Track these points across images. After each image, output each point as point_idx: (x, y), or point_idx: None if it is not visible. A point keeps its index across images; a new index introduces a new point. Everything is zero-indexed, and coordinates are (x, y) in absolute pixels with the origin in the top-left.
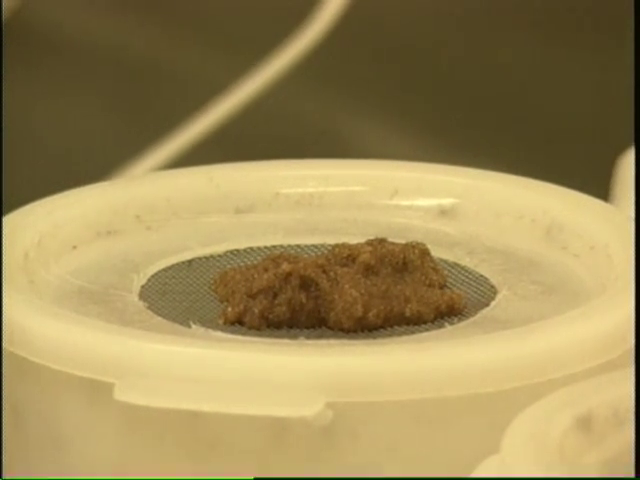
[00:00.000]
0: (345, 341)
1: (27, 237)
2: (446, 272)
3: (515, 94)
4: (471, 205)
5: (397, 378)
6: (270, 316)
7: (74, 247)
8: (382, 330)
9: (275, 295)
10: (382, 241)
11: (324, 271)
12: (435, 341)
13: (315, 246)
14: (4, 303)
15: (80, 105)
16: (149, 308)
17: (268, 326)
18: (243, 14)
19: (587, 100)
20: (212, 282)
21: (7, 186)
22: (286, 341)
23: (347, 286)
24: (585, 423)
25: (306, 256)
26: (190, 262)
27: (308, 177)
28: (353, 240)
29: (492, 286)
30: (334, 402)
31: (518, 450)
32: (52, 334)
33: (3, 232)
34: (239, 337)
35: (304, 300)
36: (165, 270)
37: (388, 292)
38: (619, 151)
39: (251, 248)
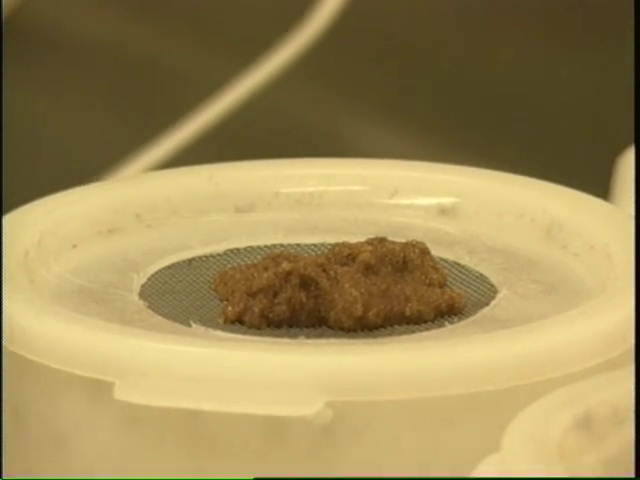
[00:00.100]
0: (345, 340)
1: (27, 236)
2: (446, 271)
3: (515, 94)
4: (471, 204)
5: (397, 377)
6: (270, 315)
7: (74, 246)
8: (382, 329)
9: (275, 294)
10: (382, 240)
11: (324, 270)
12: (435, 340)
13: (315, 245)
14: (4, 302)
15: (80, 103)
16: (149, 307)
17: (268, 325)
18: (242, 12)
19: (587, 100)
20: (212, 281)
21: (7, 185)
22: (286, 340)
23: (347, 285)
24: (585, 422)
25: (306, 255)
26: (190, 261)
27: (308, 176)
28: (353, 239)
29: (492, 285)
30: (334, 401)
31: (518, 449)
32: (52, 333)
33: (3, 231)
34: (239, 336)
35: (304, 299)
36: (165, 269)
37: (388, 291)
38: (619, 151)
39: (251, 247)
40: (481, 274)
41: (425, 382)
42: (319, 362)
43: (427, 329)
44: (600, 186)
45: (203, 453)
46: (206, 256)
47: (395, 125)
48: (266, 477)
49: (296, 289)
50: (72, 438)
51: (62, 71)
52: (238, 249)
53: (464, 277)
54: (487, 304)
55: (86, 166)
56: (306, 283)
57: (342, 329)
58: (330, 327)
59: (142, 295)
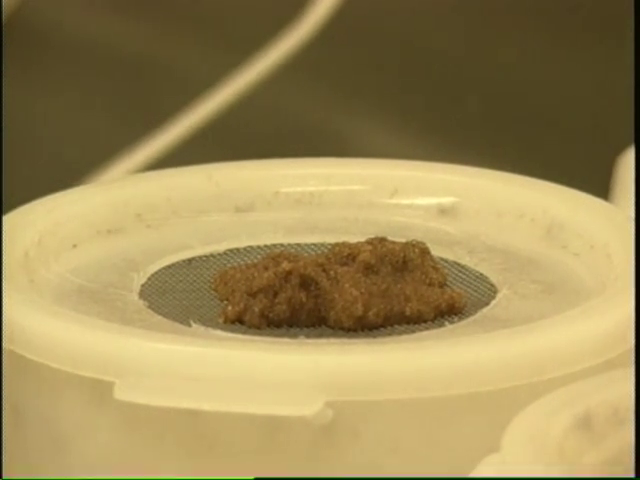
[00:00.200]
0: (345, 340)
1: (27, 236)
2: (446, 271)
3: (515, 93)
4: (471, 204)
5: (397, 377)
6: (270, 315)
7: (74, 246)
8: (382, 329)
9: (275, 294)
10: (382, 240)
11: (324, 270)
12: (435, 340)
13: (315, 245)
14: (4, 302)
15: (79, 103)
16: (149, 307)
17: (268, 325)
18: (238, 8)
19: (587, 100)
20: (212, 281)
21: (7, 185)
22: (286, 340)
23: (347, 285)
24: (585, 422)
25: (306, 255)
26: (190, 261)
27: (308, 176)
28: (353, 239)
29: (492, 285)
30: (334, 401)
31: (518, 449)
32: (52, 333)
33: (3, 231)
34: (239, 336)
35: (304, 299)
36: (165, 269)
37: (388, 291)
38: (619, 151)
39: (251, 247)
40: (481, 274)
41: (425, 382)
42: (319, 362)
43: (427, 329)
44: (600, 186)
45: (203, 453)
46: (206, 256)
47: (395, 125)
48: (266, 477)
49: (296, 289)
50: (72, 438)
51: (62, 71)
52: (238, 249)
53: (464, 277)
54: (487, 304)
55: (86, 165)
56: (306, 283)
57: (342, 329)
58: (330, 327)
59: (142, 295)
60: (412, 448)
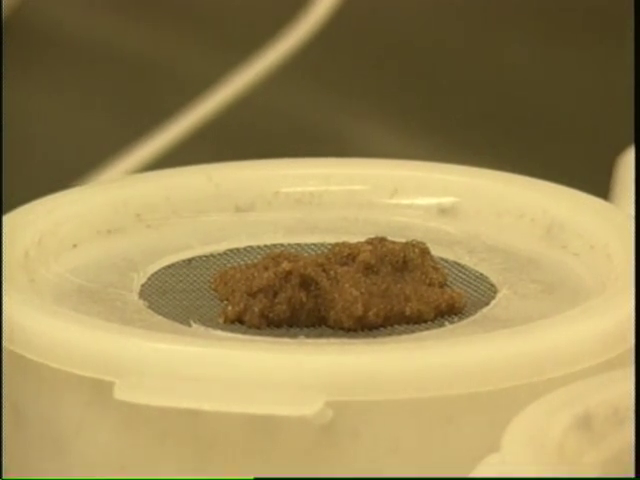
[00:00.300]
0: (345, 340)
1: (27, 236)
2: (446, 271)
3: (515, 93)
4: (471, 204)
5: (397, 377)
6: (270, 315)
7: (74, 246)
8: (382, 329)
9: (275, 294)
10: (382, 240)
11: (324, 270)
12: (435, 340)
13: (315, 245)
14: (4, 302)
15: (79, 102)
16: (149, 307)
17: (268, 325)
18: (239, 8)
19: (587, 100)
20: (212, 281)
21: (7, 185)
22: (286, 340)
23: (347, 285)
24: (585, 422)
25: (306, 255)
26: (190, 261)
27: (308, 176)
28: (353, 239)
29: (492, 285)
30: (334, 401)
31: (518, 449)
32: (52, 333)
33: (3, 231)
34: (239, 336)
35: (304, 299)
36: (165, 269)
37: (388, 291)
38: (619, 151)
39: (251, 247)
40: (481, 274)
41: (425, 382)
42: (319, 362)
43: (427, 329)
44: (600, 186)
45: (203, 453)
46: (206, 256)
47: (395, 125)
48: (266, 477)
49: (296, 289)
50: (72, 438)
51: (61, 71)
52: (238, 249)
53: (464, 277)
54: (487, 304)
55: (86, 165)
56: (306, 283)
57: (342, 329)
58: (330, 327)
59: (142, 295)
60: (412, 448)
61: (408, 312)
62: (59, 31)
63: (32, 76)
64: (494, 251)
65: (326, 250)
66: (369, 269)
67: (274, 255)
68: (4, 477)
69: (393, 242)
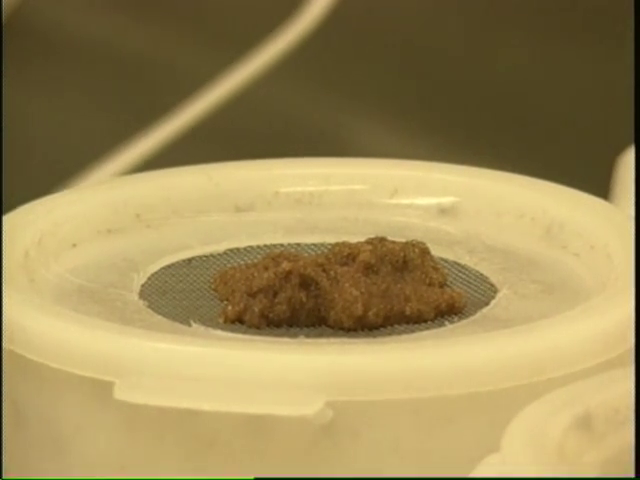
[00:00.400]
0: (345, 340)
1: (27, 236)
2: (446, 271)
3: (515, 93)
4: (471, 204)
5: (397, 377)
6: (270, 315)
7: (74, 245)
8: (382, 329)
9: (275, 294)
10: (382, 240)
11: (324, 270)
12: (435, 340)
13: (315, 245)
14: (4, 302)
15: (79, 102)
16: (149, 307)
17: (268, 325)
18: (238, 6)
19: (587, 100)
20: (212, 281)
21: (7, 185)
22: (286, 340)
23: (347, 285)
24: (585, 422)
25: (306, 255)
26: (190, 261)
27: (308, 176)
28: (353, 239)
29: (492, 285)
30: (334, 401)
31: (518, 449)
32: (52, 333)
33: (3, 231)
34: (239, 336)
35: (304, 299)
36: (165, 269)
37: (388, 291)
38: (619, 151)
39: (251, 247)
40: (481, 274)
41: (425, 382)
42: (319, 362)
43: (427, 329)
44: (600, 186)
45: (203, 453)
46: (206, 256)
47: (395, 125)
48: (266, 477)
49: (296, 289)
50: (72, 438)
51: (62, 71)
52: (238, 249)
53: (464, 277)
54: (487, 304)
55: (86, 164)
56: (306, 283)
57: (342, 329)
58: (330, 327)
59: (142, 295)
60: (412, 448)
61: (408, 312)
62: (59, 31)
63: (32, 76)
64: (494, 251)
65: (326, 250)
66: (369, 269)
67: (274, 255)
68: (4, 477)
69: (393, 242)
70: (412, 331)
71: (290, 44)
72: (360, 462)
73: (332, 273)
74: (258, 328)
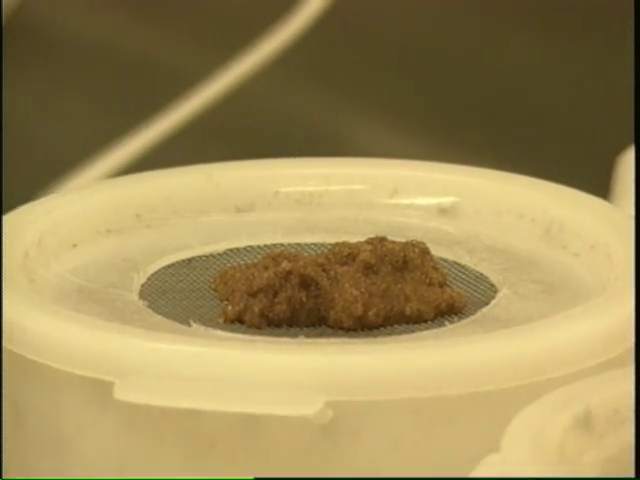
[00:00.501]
0: (345, 340)
1: (27, 236)
2: (446, 271)
3: (515, 93)
4: (471, 204)
5: (397, 377)
6: (270, 315)
7: (74, 246)
8: (382, 329)
9: (275, 294)
10: (382, 240)
11: (324, 270)
12: (435, 340)
13: (315, 245)
14: (4, 302)
15: (79, 102)
16: (149, 307)
17: (268, 325)
18: (239, 6)
19: (587, 100)
20: (212, 281)
21: (7, 185)
22: (286, 340)
23: (347, 285)
24: (585, 422)
25: (306, 255)
26: (190, 261)
27: (308, 176)
28: (353, 239)
29: (492, 285)
30: (334, 401)
31: (518, 449)
32: (52, 333)
33: (3, 231)
34: (239, 336)
35: (304, 299)
36: (165, 269)
37: (388, 291)
38: (619, 151)
39: (251, 247)
40: (481, 274)
41: (425, 382)
42: (319, 362)
43: (427, 329)
44: (600, 186)
45: (203, 453)
46: (206, 256)
47: (395, 125)
48: (266, 477)
49: (296, 289)
50: (72, 438)
51: (61, 71)
52: (238, 249)
53: (464, 277)
54: (487, 304)
55: (85, 164)
56: (306, 283)
57: (342, 329)
58: (330, 327)
59: (142, 295)
60: (412, 448)
61: (408, 312)
62: (59, 31)
63: (32, 76)
64: (494, 251)
65: (326, 250)
66: (369, 269)
67: (274, 255)
68: (4, 477)
69: (393, 242)
70: (412, 331)
71: (289, 43)
72: (360, 462)
73: (332, 273)
74: (258, 328)
